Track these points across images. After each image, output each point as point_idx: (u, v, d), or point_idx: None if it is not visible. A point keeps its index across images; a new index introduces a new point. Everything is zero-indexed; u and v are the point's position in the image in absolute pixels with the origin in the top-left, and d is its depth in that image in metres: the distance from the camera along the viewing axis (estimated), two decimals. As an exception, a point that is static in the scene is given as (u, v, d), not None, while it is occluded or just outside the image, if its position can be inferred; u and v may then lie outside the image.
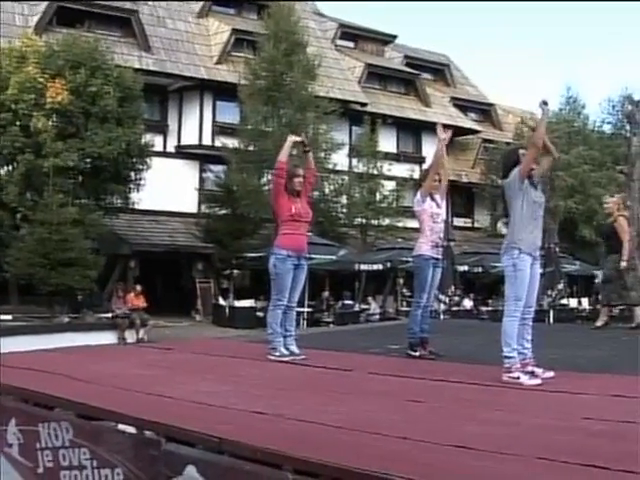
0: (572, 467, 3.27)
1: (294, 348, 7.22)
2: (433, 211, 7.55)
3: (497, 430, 4.08)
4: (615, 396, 5.17)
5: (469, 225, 36.71)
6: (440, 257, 7.55)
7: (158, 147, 27.09)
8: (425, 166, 33.59)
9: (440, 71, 40.23)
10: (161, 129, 29.14)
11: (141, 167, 23.39)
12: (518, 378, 5.70)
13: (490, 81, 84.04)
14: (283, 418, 4.25)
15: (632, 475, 3.14)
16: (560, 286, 23.27)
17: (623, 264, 10.96)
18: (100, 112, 21.75)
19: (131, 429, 4.38)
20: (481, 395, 5.35)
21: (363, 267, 24.80)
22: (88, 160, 21.85)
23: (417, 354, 7.36)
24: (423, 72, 37.79)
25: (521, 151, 6.28)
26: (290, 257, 7.11)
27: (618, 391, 5.28)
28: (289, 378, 6.17)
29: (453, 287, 23.06)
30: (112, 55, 23.58)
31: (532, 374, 5.83)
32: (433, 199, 7.57)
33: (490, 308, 27.00)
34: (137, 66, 26.26)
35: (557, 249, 23.37)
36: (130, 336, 19.77)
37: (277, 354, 7.10)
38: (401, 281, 26.27)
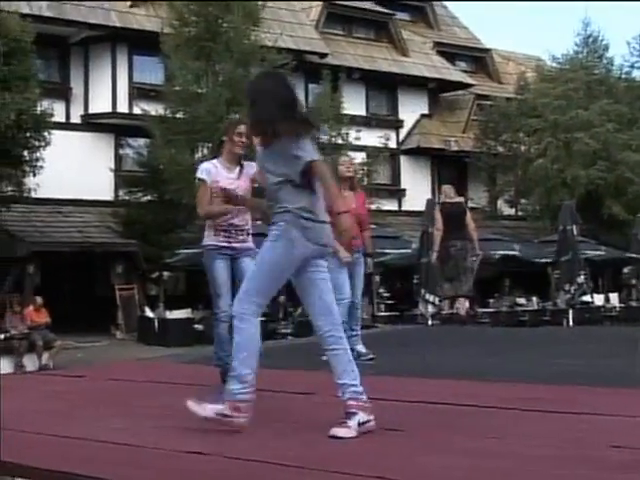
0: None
1: (361, 347, 8.54)
2: (219, 185, 6.97)
3: (488, 463, 4.09)
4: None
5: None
6: (231, 245, 7.07)
7: (59, 117, 26.80)
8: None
9: (420, 9, 40.39)
10: (62, 93, 28.86)
11: (38, 143, 23.13)
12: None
13: (485, 20, 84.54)
14: (225, 458, 4.22)
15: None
16: (580, 279, 23.52)
17: (434, 256, 13.39)
18: (-22, 72, 21.46)
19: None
20: (471, 419, 5.40)
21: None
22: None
23: None
24: (398, 11, 37.92)
25: None
26: None
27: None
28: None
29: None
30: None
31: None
32: (227, 168, 7.15)
33: (491, 309, 27.21)
34: (26, 11, 25.90)
35: (575, 231, 23.61)
36: (30, 362, 19.56)
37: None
38: (377, 279, 26.34)
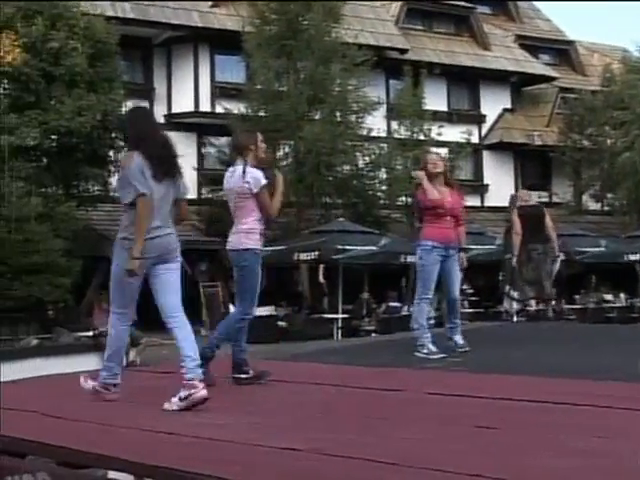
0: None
1: (459, 338, 9.01)
2: None
3: (593, 463, 4.05)
4: None
5: (545, 200, 36.45)
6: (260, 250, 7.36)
7: (143, 117, 27.12)
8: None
9: (502, 2, 39.96)
10: (146, 94, 29.23)
11: (123, 144, 23.47)
12: None
13: (568, 12, 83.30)
14: (321, 454, 4.25)
15: None
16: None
17: (514, 260, 13.97)
18: (66, 74, 21.82)
19: (125, 476, 4.40)
20: (574, 417, 5.35)
21: (411, 259, 24.61)
22: (53, 137, 21.96)
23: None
24: (479, 5, 37.59)
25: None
26: (436, 247, 8.82)
27: None
28: (323, 403, 6.20)
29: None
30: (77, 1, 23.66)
31: None
32: None
33: (578, 306, 26.85)
34: (111, 13, 26.29)
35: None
36: (118, 359, 19.85)
37: (425, 351, 8.70)
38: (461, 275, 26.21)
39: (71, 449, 4.62)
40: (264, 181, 7.12)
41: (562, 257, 14.77)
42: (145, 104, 28.31)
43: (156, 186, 6.14)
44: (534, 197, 16.54)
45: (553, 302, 16.11)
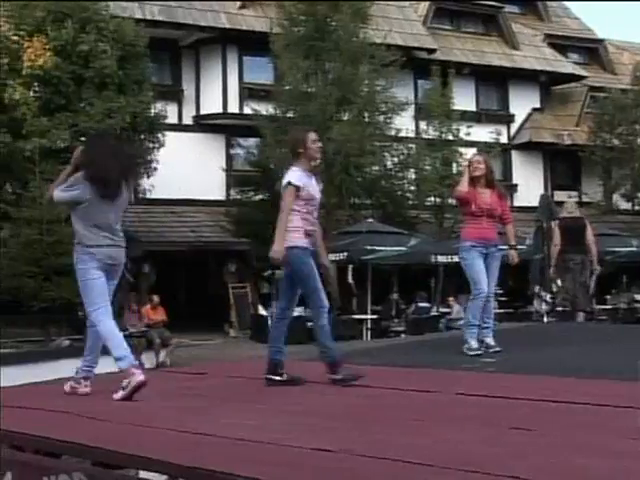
0: None
1: (490, 340, 9.06)
2: (309, 192, 7.38)
3: (630, 464, 4.02)
4: None
5: (575, 200, 36.28)
6: (311, 248, 7.39)
7: (172, 119, 27.29)
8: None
9: (530, 2, 39.81)
10: (175, 96, 29.36)
11: (151, 145, 23.58)
12: None
13: (597, 10, 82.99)
14: (353, 455, 4.24)
15: None
16: None
17: (551, 270, 14.23)
18: (95, 77, 21.96)
19: (159, 477, 4.41)
20: (608, 419, 5.32)
21: (440, 259, 24.64)
22: (83, 139, 22.03)
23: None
24: (508, 4, 37.44)
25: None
26: (475, 247, 9.11)
27: None
28: (354, 404, 6.20)
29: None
30: (107, 3, 23.79)
31: None
32: (309, 177, 7.44)
33: (609, 306, 26.68)
34: (139, 16, 26.49)
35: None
36: (148, 360, 19.93)
37: (465, 346, 8.90)
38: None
39: (106, 449, 4.64)
40: (293, 180, 7.17)
41: (600, 270, 14.67)
42: (174, 106, 28.53)
43: (100, 204, 6.80)
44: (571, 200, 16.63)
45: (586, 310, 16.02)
